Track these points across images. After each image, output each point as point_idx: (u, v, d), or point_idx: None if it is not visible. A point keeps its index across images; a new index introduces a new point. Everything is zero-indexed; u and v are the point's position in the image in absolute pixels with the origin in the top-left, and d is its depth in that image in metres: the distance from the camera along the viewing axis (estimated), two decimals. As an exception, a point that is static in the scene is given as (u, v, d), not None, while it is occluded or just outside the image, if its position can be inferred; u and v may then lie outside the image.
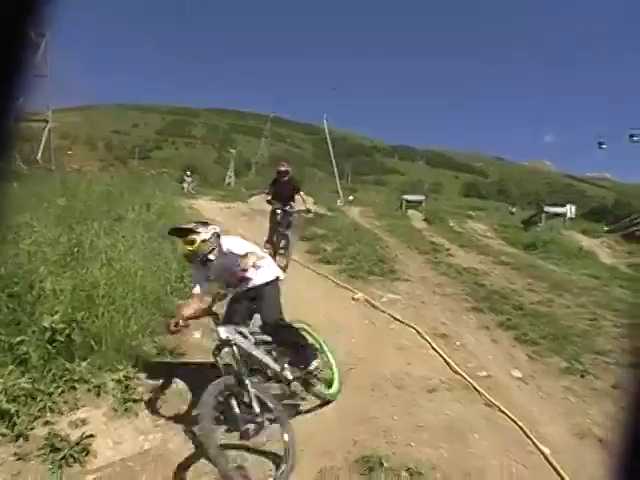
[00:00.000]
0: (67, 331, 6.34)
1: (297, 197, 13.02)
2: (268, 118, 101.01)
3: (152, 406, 5.98)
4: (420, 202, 39.85)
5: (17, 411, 5.34)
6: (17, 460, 4.99)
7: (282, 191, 12.67)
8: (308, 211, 13.89)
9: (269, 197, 12.87)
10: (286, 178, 12.75)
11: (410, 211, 34.62)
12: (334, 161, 40.11)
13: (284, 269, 10.91)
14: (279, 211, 12.57)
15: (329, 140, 39.89)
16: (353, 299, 10.63)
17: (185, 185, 36.82)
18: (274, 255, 11.97)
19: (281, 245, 12.62)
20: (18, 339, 6.07)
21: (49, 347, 6.15)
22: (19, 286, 6.83)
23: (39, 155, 33.54)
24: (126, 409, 5.84)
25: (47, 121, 35.14)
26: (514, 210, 51.05)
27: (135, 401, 5.96)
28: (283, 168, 12.83)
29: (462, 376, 7.15)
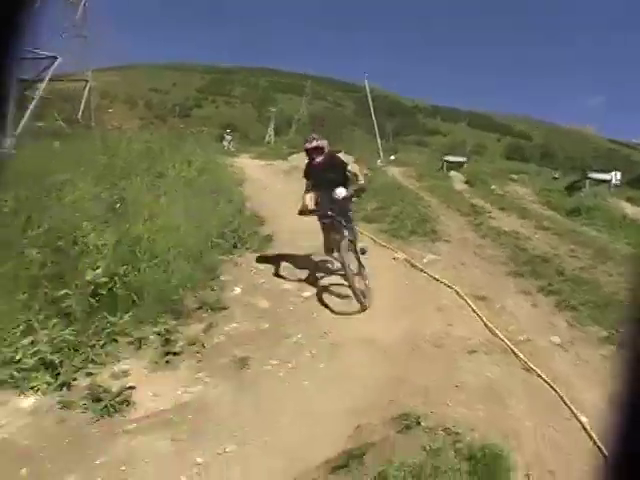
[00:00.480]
0: (109, 285, 6.48)
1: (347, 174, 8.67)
2: (307, 76, 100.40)
3: (192, 359, 6.08)
4: (462, 164, 39.26)
5: (61, 362, 5.50)
6: (61, 408, 5.14)
7: (324, 177, 8.51)
8: (362, 190, 8.93)
9: (308, 200, 8.53)
10: (320, 158, 8.62)
11: (451, 172, 34.13)
12: (375, 120, 39.74)
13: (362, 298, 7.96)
14: (328, 218, 8.44)
15: (370, 99, 39.50)
16: (394, 259, 10.58)
17: (225, 143, 36.85)
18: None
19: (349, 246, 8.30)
20: (62, 292, 6.21)
21: (92, 300, 6.30)
22: (63, 241, 6.95)
23: (80, 114, 33.93)
24: (166, 362, 5.97)
25: (87, 80, 35.51)
26: (557, 175, 50.00)
27: (175, 354, 6.10)
28: (312, 144, 8.65)
29: (501, 339, 7.09)
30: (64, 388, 5.37)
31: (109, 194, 9.09)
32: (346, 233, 8.24)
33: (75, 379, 5.49)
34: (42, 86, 31.14)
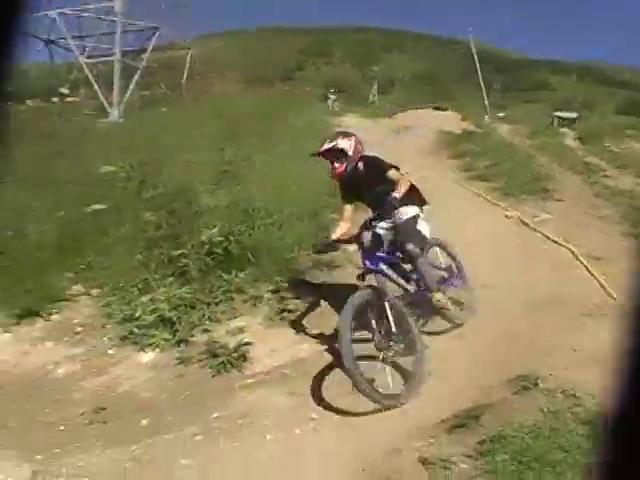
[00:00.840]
0: (224, 244, 6.61)
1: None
2: (408, 33, 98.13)
3: (308, 317, 6.10)
4: (573, 119, 37.69)
5: (179, 319, 5.70)
6: (179, 364, 5.34)
7: (367, 192, 5.67)
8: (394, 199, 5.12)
9: (343, 228, 5.78)
10: (343, 166, 5.49)
11: (562, 129, 32.85)
12: (480, 76, 38.57)
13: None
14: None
15: (475, 54, 38.34)
16: (506, 217, 10.28)
17: (329, 103, 36.74)
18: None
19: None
20: (178, 252, 6.39)
21: (207, 259, 6.46)
22: (177, 203, 7.13)
23: (183, 81, 34.69)
24: (281, 319, 6.05)
25: (189, 48, 36.13)
26: (680, 130, 47.04)
27: (290, 311, 6.15)
28: (324, 146, 5.58)
29: (619, 302, 6.75)
30: (182, 344, 5.58)
31: (219, 157, 9.22)
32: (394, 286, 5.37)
33: (192, 335, 5.68)
34: (146, 56, 31.95)
